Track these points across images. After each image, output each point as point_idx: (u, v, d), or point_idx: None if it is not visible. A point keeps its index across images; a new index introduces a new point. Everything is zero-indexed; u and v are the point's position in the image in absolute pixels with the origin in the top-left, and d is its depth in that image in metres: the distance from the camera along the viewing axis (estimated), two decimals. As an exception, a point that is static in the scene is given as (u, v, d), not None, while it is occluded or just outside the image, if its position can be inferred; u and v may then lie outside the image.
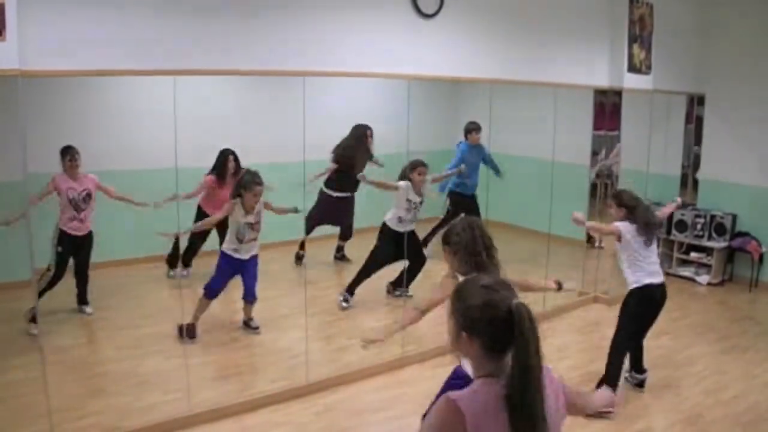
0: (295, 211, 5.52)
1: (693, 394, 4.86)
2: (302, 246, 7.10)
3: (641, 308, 4.73)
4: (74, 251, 5.57)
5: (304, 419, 4.38)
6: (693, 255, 7.76)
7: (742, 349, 5.74)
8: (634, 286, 4.71)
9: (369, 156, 6.97)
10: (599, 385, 4.66)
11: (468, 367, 2.83)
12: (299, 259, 7.21)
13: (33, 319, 5.25)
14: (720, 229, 7.54)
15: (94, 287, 5.78)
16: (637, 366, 4.95)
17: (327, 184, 7.04)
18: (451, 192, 7.35)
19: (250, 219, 5.32)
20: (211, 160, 6.34)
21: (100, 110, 6.45)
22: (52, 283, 5.45)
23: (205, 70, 4.06)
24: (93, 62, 3.63)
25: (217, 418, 4.33)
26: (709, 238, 7.60)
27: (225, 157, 6.28)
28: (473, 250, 3.22)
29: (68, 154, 5.43)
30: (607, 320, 5.89)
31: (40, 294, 5.45)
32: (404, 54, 4.99)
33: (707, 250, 7.64)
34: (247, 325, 5.72)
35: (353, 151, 6.84)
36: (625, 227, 4.69)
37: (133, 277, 6.62)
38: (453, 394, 1.74)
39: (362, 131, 6.91)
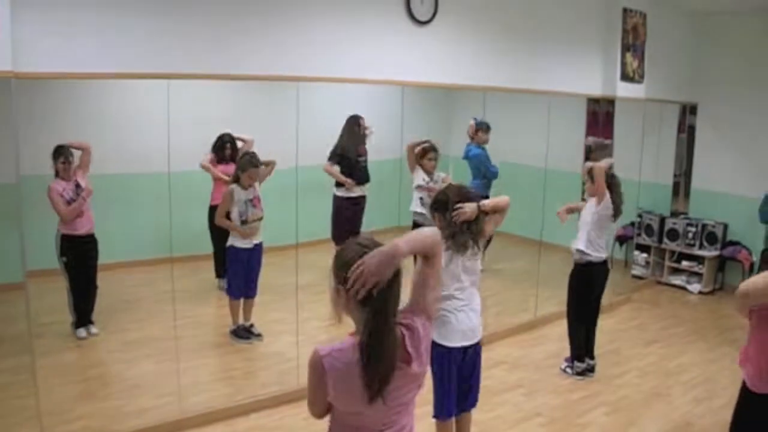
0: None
1: (683, 402, 4.88)
2: None
3: (584, 283, 5.11)
4: (80, 256, 5.42)
5: (295, 424, 4.37)
6: (684, 263, 7.80)
7: (733, 357, 5.70)
8: (585, 260, 5.02)
9: (362, 141, 6.93)
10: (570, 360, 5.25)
11: None
12: None
13: (78, 324, 5.47)
14: (711, 238, 7.58)
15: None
16: (588, 351, 5.29)
17: (338, 186, 7.03)
18: None
19: (250, 194, 5.43)
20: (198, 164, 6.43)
21: (94, 113, 6.44)
22: (77, 292, 5.45)
23: (199, 74, 4.05)
24: (86, 65, 3.62)
25: (208, 422, 4.32)
26: (701, 246, 7.64)
27: (223, 143, 6.51)
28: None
29: (61, 155, 5.27)
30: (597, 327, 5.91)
31: (76, 307, 5.48)
32: (398, 61, 5.00)
33: (698, 259, 7.68)
34: (248, 332, 5.66)
35: (350, 144, 6.85)
36: (608, 199, 4.98)
37: (123, 280, 6.60)
38: (322, 348, 1.89)
39: (354, 120, 6.81)
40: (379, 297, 1.85)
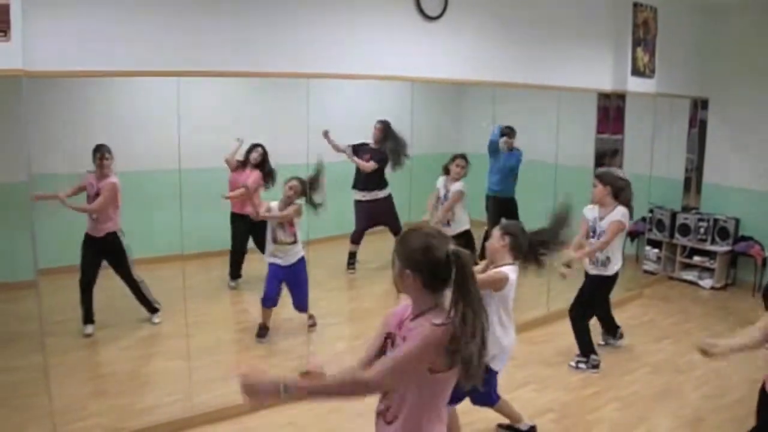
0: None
1: (694, 398, 4.86)
2: (351, 255, 7.21)
3: (610, 290, 5.43)
4: (99, 255, 5.52)
5: (306, 421, 4.38)
6: (696, 259, 7.75)
7: (745, 354, 5.72)
8: (615, 269, 5.19)
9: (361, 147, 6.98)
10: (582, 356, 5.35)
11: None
12: (351, 264, 7.25)
13: (85, 320, 5.46)
14: (723, 233, 7.53)
15: (95, 289, 5.74)
16: (613, 330, 5.81)
17: (354, 185, 7.02)
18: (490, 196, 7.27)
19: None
20: (213, 162, 6.43)
21: (104, 111, 6.45)
22: (82, 289, 5.47)
23: (209, 72, 4.07)
24: (97, 63, 3.64)
25: (218, 420, 4.34)
26: (713, 242, 7.59)
27: (250, 148, 6.56)
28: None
29: (98, 152, 5.40)
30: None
31: (83, 300, 5.48)
32: (408, 56, 4.99)
33: (710, 254, 7.63)
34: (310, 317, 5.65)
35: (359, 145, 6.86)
36: (625, 215, 5.06)
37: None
38: (437, 321, 2.09)
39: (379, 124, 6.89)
40: (461, 277, 2.08)
